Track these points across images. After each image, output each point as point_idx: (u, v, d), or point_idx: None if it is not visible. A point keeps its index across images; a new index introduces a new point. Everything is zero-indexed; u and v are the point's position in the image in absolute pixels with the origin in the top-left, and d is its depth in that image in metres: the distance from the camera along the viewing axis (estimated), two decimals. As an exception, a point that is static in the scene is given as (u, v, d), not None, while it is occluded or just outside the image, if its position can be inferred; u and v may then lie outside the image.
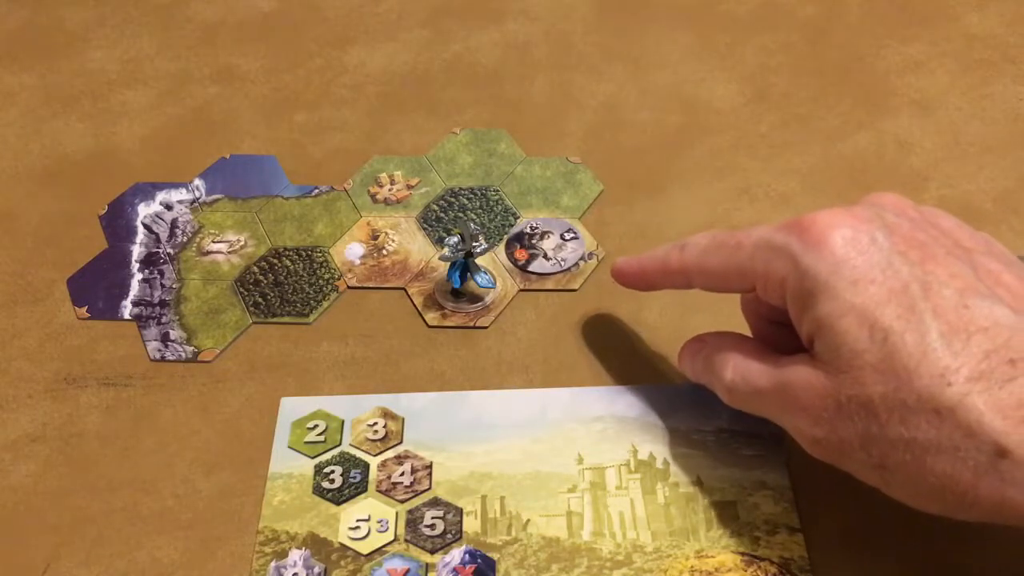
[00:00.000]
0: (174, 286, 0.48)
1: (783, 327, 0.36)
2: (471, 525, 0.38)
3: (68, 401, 0.43)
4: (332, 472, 0.40)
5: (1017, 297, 0.31)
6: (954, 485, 0.29)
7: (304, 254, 0.49)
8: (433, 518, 0.38)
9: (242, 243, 0.49)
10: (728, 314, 0.45)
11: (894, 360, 0.30)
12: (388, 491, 0.39)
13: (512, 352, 0.44)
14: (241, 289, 0.47)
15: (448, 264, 0.45)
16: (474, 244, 0.45)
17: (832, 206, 0.33)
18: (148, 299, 0.47)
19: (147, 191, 0.53)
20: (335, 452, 0.40)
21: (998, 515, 0.29)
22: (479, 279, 0.45)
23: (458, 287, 0.45)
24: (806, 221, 0.33)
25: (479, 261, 0.46)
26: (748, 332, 0.39)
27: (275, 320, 0.46)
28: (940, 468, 0.29)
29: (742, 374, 0.36)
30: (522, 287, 0.47)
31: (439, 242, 0.48)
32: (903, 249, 0.32)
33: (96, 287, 0.48)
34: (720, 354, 0.37)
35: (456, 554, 0.37)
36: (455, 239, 0.45)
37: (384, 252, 0.48)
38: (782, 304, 0.34)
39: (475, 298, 0.46)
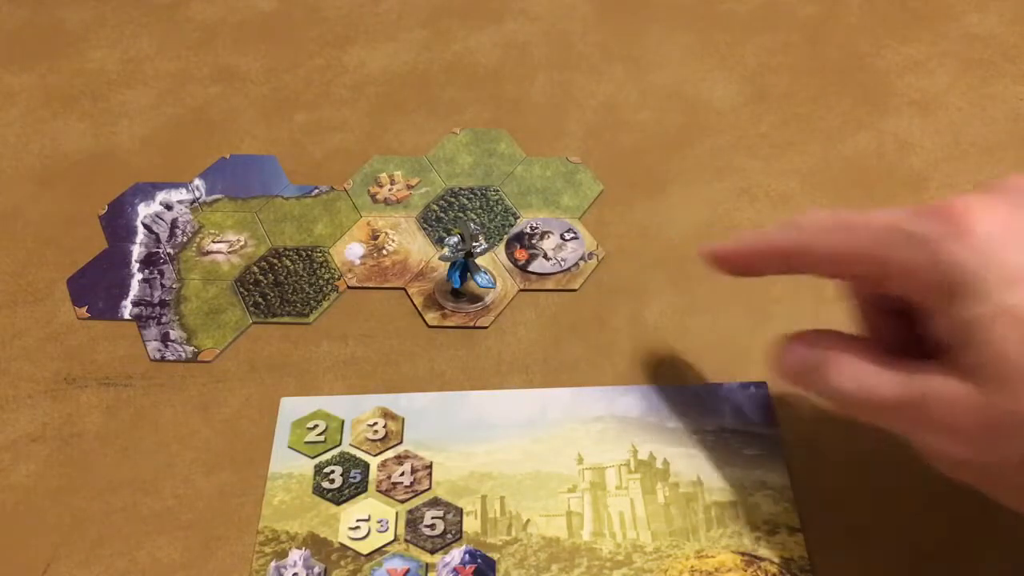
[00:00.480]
0: (174, 286, 0.48)
1: (903, 319, 0.32)
2: (471, 525, 0.38)
3: (68, 401, 0.43)
4: (332, 472, 0.40)
5: None
6: None
7: (304, 254, 0.49)
8: (433, 518, 0.38)
9: (242, 243, 0.49)
10: (729, 315, 0.45)
11: None
12: (388, 491, 0.39)
13: (512, 352, 0.44)
14: (241, 289, 0.47)
15: (448, 264, 0.45)
16: (474, 244, 0.45)
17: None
18: (148, 299, 0.47)
19: (147, 191, 0.53)
20: (335, 452, 0.40)
21: None
22: (479, 279, 0.45)
23: (458, 287, 0.45)
24: (949, 207, 0.28)
25: (479, 261, 0.46)
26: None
27: (275, 320, 0.46)
28: None
29: (860, 382, 0.30)
30: (522, 287, 0.46)
31: (439, 242, 0.48)
32: None
33: (96, 287, 0.48)
34: (830, 356, 0.32)
35: (456, 554, 0.37)
36: (455, 239, 0.45)
37: (384, 252, 0.48)
38: (911, 297, 0.30)
39: (475, 298, 0.46)
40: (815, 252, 0.32)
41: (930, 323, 0.29)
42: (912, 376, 0.29)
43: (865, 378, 0.30)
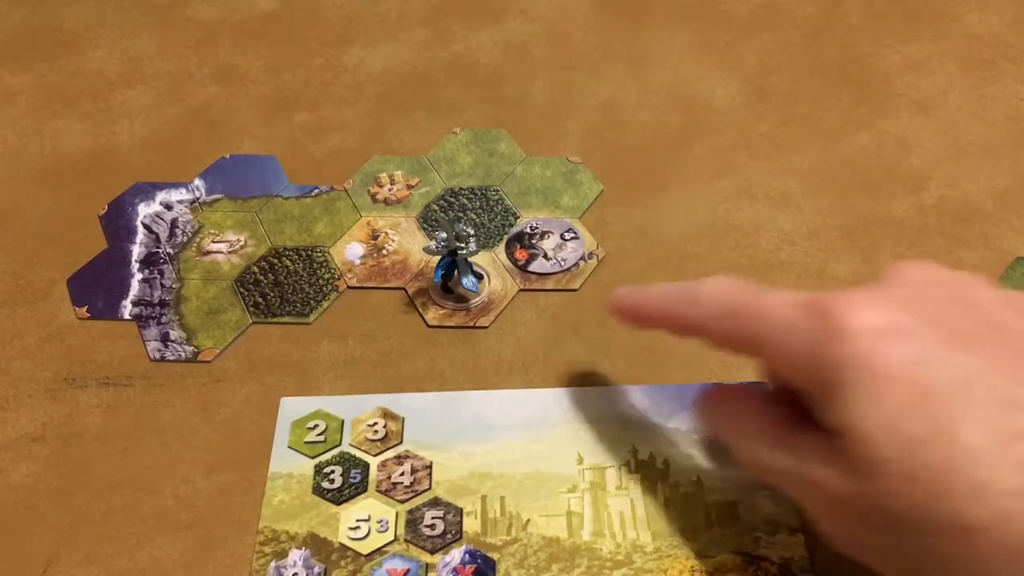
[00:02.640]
0: (174, 286, 0.48)
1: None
2: (471, 525, 0.38)
3: (68, 401, 0.43)
4: (332, 472, 0.40)
5: None
6: None
7: (304, 254, 0.49)
8: (433, 518, 0.38)
9: (242, 243, 0.49)
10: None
11: (922, 472, 0.26)
12: (388, 491, 0.39)
13: (512, 352, 0.44)
14: (241, 289, 0.47)
15: (439, 258, 0.45)
16: (459, 245, 0.44)
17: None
18: (148, 299, 0.47)
19: (147, 191, 0.53)
20: (335, 452, 0.40)
21: None
22: (464, 281, 0.45)
23: (438, 282, 0.45)
24: (828, 306, 0.29)
25: (483, 263, 0.46)
26: None
27: (275, 320, 0.46)
28: None
29: (756, 449, 0.32)
30: (522, 287, 0.46)
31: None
32: (935, 339, 0.28)
33: (96, 287, 0.48)
34: (738, 419, 0.33)
35: (456, 554, 0.37)
36: (445, 234, 0.45)
37: (384, 252, 0.48)
38: (798, 386, 0.31)
39: (463, 298, 0.46)
40: (708, 334, 0.34)
41: (820, 414, 0.30)
42: (801, 457, 0.30)
43: (761, 445, 0.32)
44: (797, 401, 0.31)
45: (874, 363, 0.28)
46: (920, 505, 0.27)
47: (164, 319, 0.46)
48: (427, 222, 0.50)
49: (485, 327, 0.45)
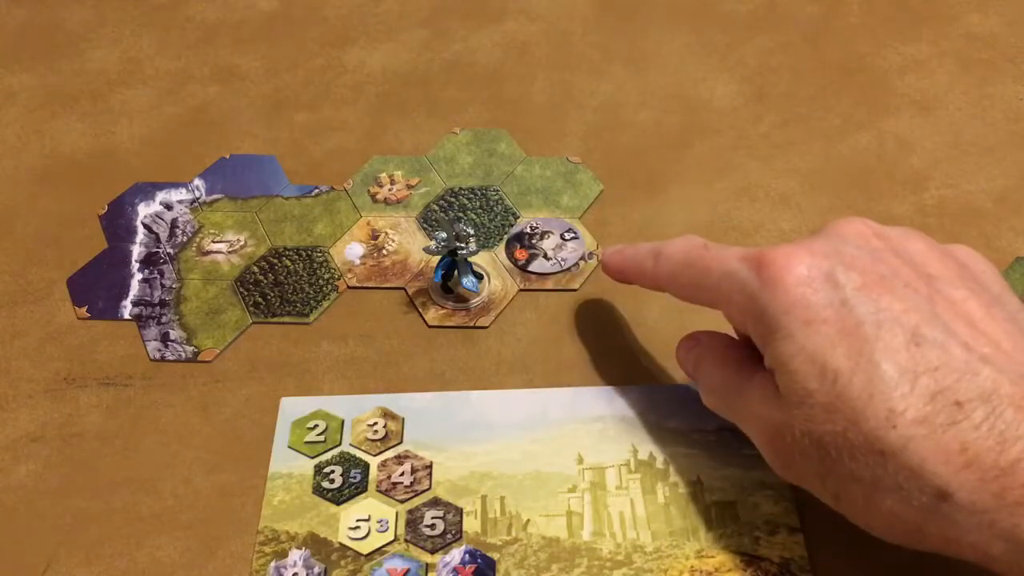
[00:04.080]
0: (174, 286, 0.48)
1: None
2: (471, 525, 0.38)
3: (68, 401, 0.43)
4: (332, 472, 0.40)
5: (976, 331, 0.31)
6: (902, 522, 0.30)
7: (304, 254, 0.49)
8: (433, 518, 0.38)
9: (242, 243, 0.49)
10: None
11: (843, 402, 0.30)
12: (388, 491, 0.39)
13: (512, 352, 0.44)
14: (241, 289, 0.47)
15: (439, 258, 0.45)
16: (459, 245, 0.44)
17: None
18: (148, 299, 0.47)
19: (147, 191, 0.53)
20: (335, 452, 0.40)
21: (947, 551, 0.30)
22: (464, 281, 0.45)
23: (438, 281, 0.45)
24: (766, 257, 0.33)
25: (483, 263, 0.46)
26: None
27: (275, 320, 0.46)
28: (887, 506, 0.30)
29: (714, 387, 0.37)
30: (522, 287, 0.46)
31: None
32: (859, 285, 0.31)
33: (96, 287, 0.48)
34: (704, 361, 0.38)
35: (456, 554, 0.37)
36: (445, 235, 0.45)
37: (384, 252, 0.48)
38: (745, 330, 0.34)
39: (462, 298, 0.46)
40: (673, 285, 0.38)
41: (763, 355, 0.34)
42: (745, 392, 0.34)
43: (721, 384, 0.37)
44: (751, 346, 0.35)
45: (802, 308, 0.31)
46: (840, 432, 0.30)
47: (164, 319, 0.46)
48: (427, 222, 0.50)
49: (485, 327, 0.45)
